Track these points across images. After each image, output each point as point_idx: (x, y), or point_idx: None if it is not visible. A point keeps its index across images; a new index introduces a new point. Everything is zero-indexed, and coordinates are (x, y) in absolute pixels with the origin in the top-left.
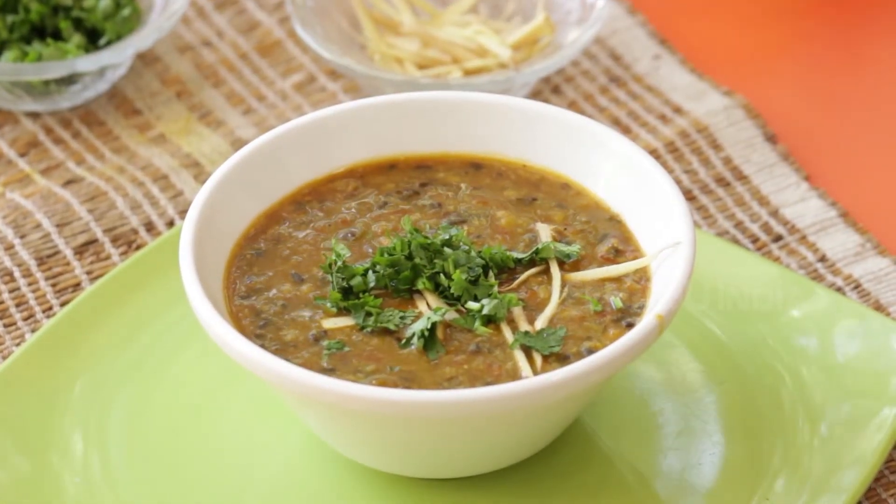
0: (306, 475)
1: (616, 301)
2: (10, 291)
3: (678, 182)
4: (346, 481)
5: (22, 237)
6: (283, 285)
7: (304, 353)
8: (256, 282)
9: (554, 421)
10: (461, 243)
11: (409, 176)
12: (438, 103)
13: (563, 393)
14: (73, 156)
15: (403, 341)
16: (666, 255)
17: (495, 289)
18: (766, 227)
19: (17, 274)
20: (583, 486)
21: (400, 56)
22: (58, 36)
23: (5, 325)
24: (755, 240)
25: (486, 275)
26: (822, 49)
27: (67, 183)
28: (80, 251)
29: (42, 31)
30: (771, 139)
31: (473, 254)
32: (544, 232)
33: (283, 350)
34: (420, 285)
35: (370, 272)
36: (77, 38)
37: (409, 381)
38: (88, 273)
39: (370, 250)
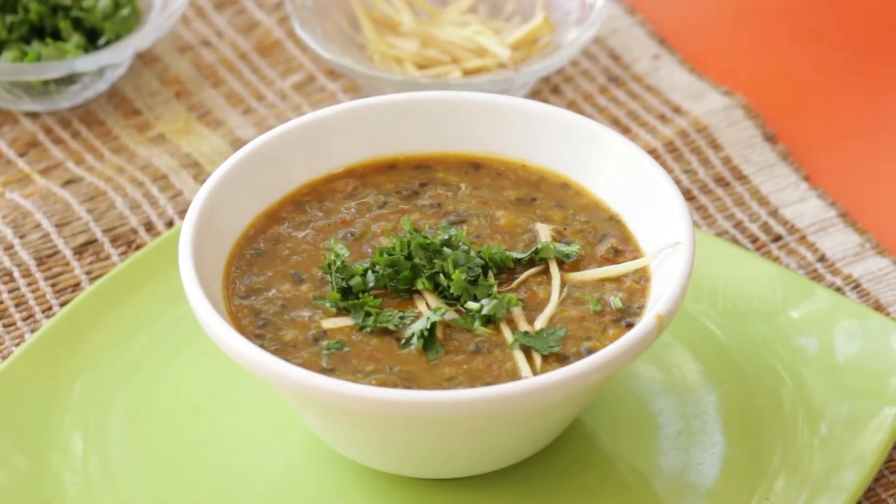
0: (306, 475)
1: (616, 301)
2: (10, 291)
3: (677, 182)
4: (346, 481)
5: (21, 237)
6: (282, 285)
7: (304, 353)
8: (256, 282)
9: (554, 421)
10: (461, 243)
11: (409, 176)
12: (438, 103)
13: (563, 393)
14: (72, 156)
15: (403, 341)
16: (665, 255)
17: (495, 289)
18: (766, 227)
19: (16, 274)
20: (583, 486)
21: (399, 56)
22: (57, 36)
23: (5, 325)
24: (755, 240)
25: (485, 275)
26: (822, 49)
27: (67, 183)
28: (79, 251)
29: (41, 31)
30: (770, 139)
31: (473, 254)
32: (544, 232)
33: (283, 350)
34: (419, 285)
35: (369, 272)
36: (76, 38)
37: (408, 382)
38: (88, 273)
39: (370, 250)
